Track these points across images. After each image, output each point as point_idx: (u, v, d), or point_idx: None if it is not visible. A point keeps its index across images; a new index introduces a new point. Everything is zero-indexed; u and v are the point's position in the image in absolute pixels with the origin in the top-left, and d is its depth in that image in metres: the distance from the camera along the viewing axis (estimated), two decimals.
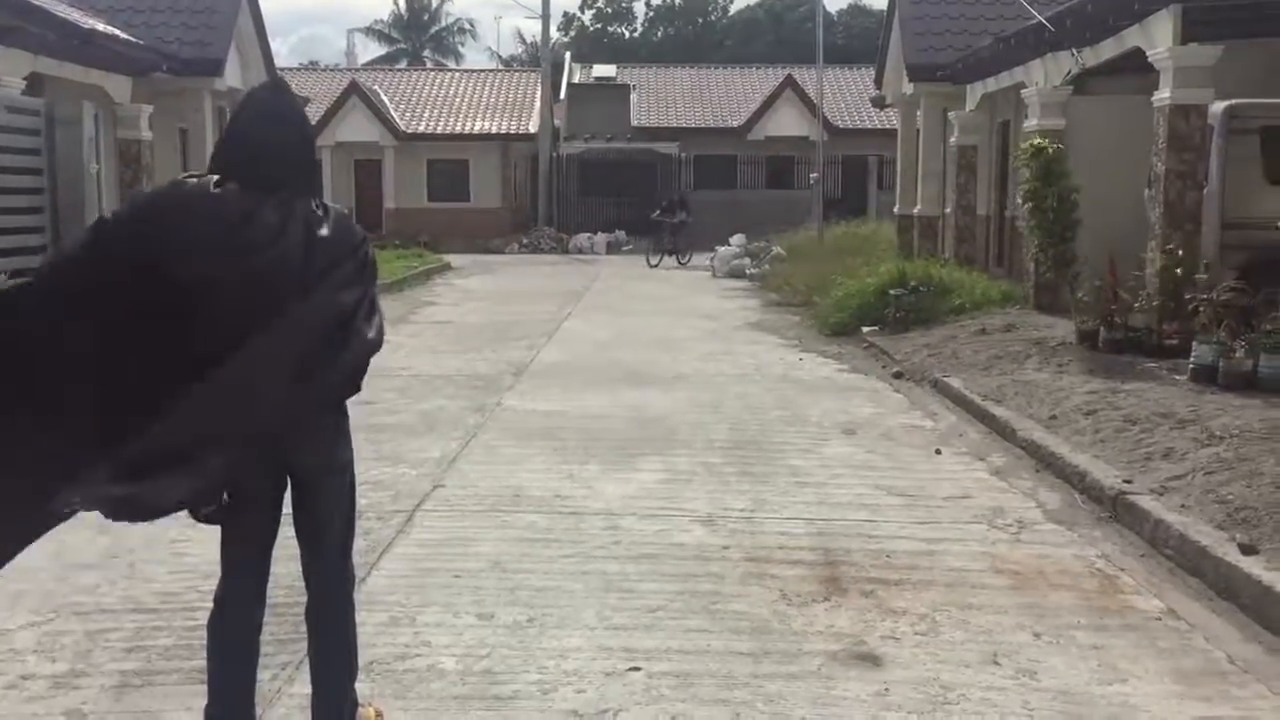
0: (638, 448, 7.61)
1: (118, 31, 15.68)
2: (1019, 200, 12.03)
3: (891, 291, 13.52)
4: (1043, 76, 13.40)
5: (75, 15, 14.79)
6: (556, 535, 5.65)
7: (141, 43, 15.96)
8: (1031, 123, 13.28)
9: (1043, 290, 12.74)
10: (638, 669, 4.02)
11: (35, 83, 12.71)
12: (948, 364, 10.59)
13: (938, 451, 7.61)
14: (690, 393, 9.79)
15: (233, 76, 18.19)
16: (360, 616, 3.61)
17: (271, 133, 3.11)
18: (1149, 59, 10.71)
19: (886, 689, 3.88)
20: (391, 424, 8.11)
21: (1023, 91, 13.85)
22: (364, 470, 6.44)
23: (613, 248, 32.76)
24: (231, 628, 3.26)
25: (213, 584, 4.74)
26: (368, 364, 3.12)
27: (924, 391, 9.96)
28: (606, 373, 10.86)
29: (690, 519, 5.93)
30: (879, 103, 23.87)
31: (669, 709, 3.71)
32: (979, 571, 5.16)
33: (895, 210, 21.74)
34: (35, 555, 5.28)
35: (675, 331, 14.26)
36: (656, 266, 25.65)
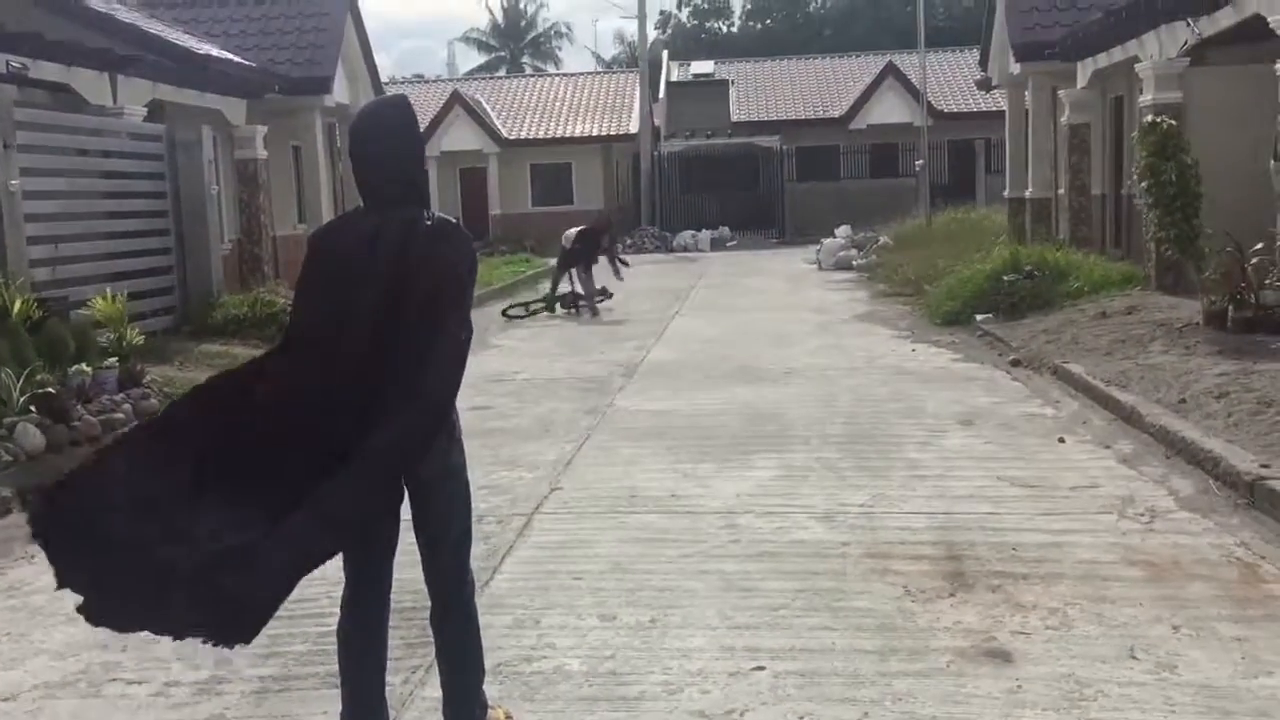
0: (752, 445, 7.58)
1: (231, 56, 16.20)
2: (1136, 178, 11.64)
3: (1005, 277, 13.23)
4: (1157, 49, 12.94)
5: (191, 42, 15.34)
6: (674, 535, 5.65)
7: (254, 65, 16.46)
8: (1146, 98, 12.85)
9: (1164, 270, 12.32)
10: (762, 668, 4.01)
11: (156, 109, 13.21)
12: (1067, 350, 10.32)
13: (1061, 440, 7.41)
14: (802, 387, 9.72)
15: (340, 93, 18.64)
16: (485, 619, 3.71)
17: (371, 149, 3.21)
18: (1270, 25, 10.27)
19: (1019, 685, 3.80)
20: (507, 428, 8.23)
21: (1136, 66, 13.41)
22: (482, 475, 6.57)
23: (717, 244, 32.68)
24: (359, 631, 3.34)
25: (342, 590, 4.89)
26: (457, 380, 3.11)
27: (1043, 379, 9.72)
28: (717, 370, 10.84)
29: (808, 515, 5.89)
30: (985, 85, 23.34)
31: (796, 708, 3.69)
32: (1111, 563, 5.01)
33: (1005, 194, 21.26)
34: None
35: (784, 326, 14.17)
36: (523, 318, 16.57)
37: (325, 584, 5.10)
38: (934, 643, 4.20)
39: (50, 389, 7.99)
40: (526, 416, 8.77)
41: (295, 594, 4.99)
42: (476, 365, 10.65)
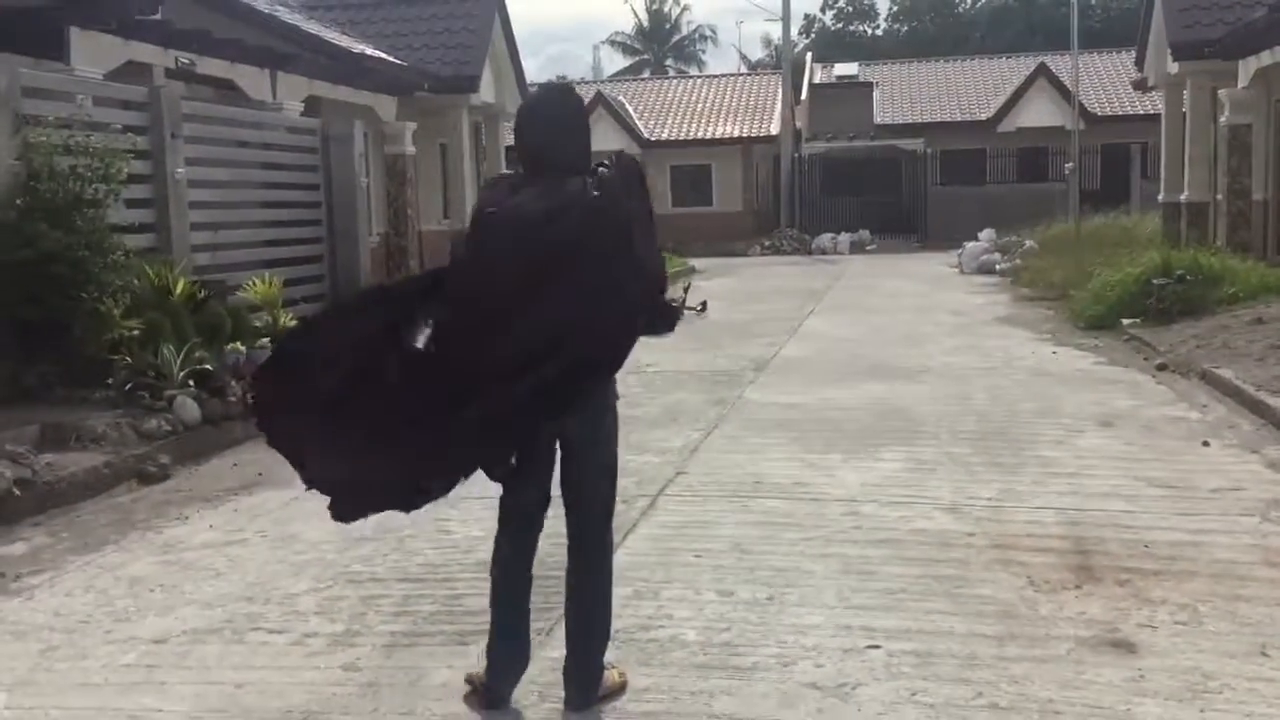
0: (880, 438, 7.53)
1: (384, 55, 16.80)
2: None
3: (1155, 281, 12.77)
4: None
5: (346, 42, 15.96)
6: (797, 520, 5.68)
7: (405, 64, 17.02)
8: None
9: None
10: (877, 647, 4.01)
11: (312, 105, 13.79)
12: (1218, 355, 9.92)
13: (1205, 444, 7.16)
14: (935, 385, 9.59)
15: (487, 93, 19.13)
16: None
17: (545, 127, 3.50)
18: None
19: (1141, 675, 3.72)
20: (637, 416, 8.35)
21: None
22: None
23: (857, 247, 32.31)
24: (508, 572, 3.63)
25: (472, 557, 5.07)
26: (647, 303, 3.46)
27: (1190, 384, 9.37)
28: (849, 367, 10.78)
29: (934, 506, 5.83)
30: (1141, 85, 22.57)
31: (909, 685, 3.69)
32: (1249, 564, 4.85)
33: (1160, 198, 20.51)
34: (320, 531, 5.77)
35: (920, 327, 13.97)
36: None
37: (455, 552, 5.33)
38: (1055, 631, 4.14)
39: (208, 365, 8.45)
40: (655, 405, 8.88)
41: (428, 561, 5.21)
42: None
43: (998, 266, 22.17)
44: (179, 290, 9.18)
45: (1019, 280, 19.45)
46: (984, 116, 35.47)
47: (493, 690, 3.62)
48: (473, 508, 6.01)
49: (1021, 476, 6.44)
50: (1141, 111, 32.13)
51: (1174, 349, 10.62)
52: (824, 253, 31.78)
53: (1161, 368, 10.09)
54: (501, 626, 3.63)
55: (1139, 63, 21.24)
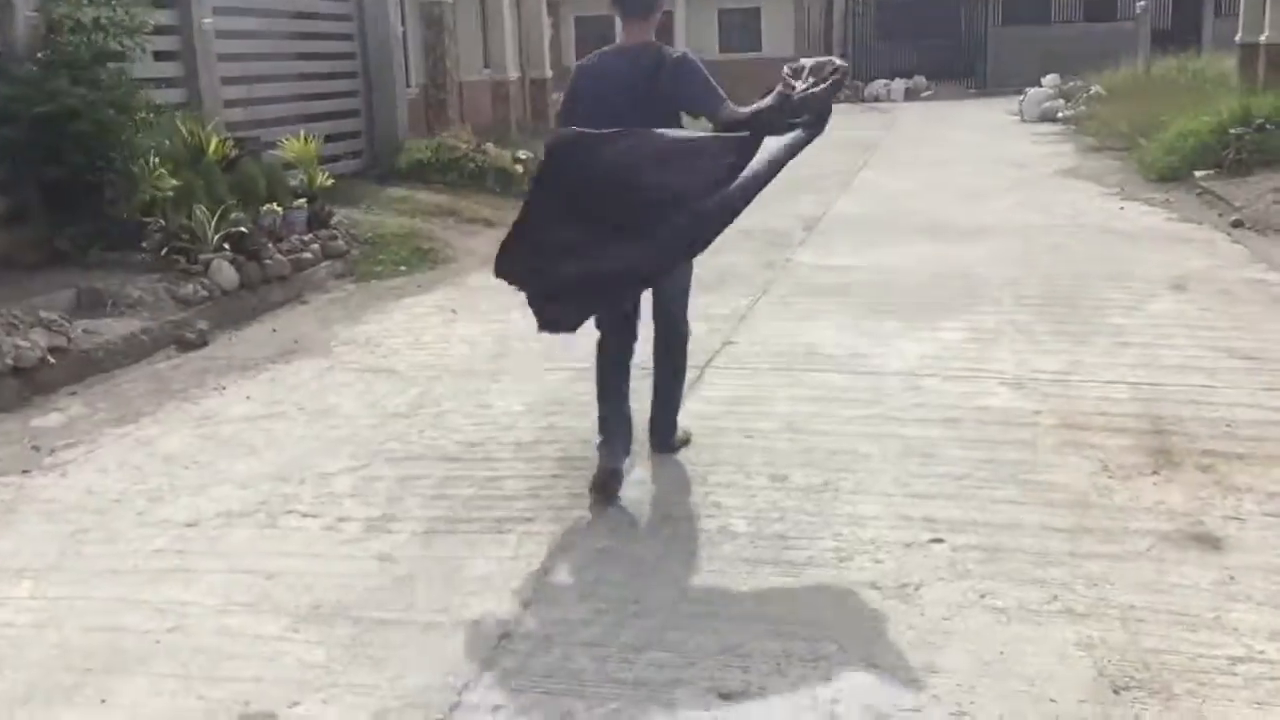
0: (939, 305, 7.17)
1: None
2: None
3: (1233, 130, 12.05)
4: None
5: None
6: (853, 395, 5.40)
7: None
8: None
9: None
10: (940, 540, 3.77)
11: None
12: None
13: None
14: (996, 245, 9.15)
15: None
16: (651, 472, 4.34)
17: None
18: None
19: (1231, 577, 3.45)
20: None
21: None
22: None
23: (911, 94, 31.19)
24: (611, 353, 4.47)
25: (511, 435, 4.88)
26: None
27: (1269, 242, 8.86)
28: (904, 225, 10.33)
29: (998, 381, 5.52)
30: None
31: (977, 586, 3.45)
32: None
33: (1236, 38, 19.33)
34: (356, 404, 5.59)
35: (980, 180, 13.39)
36: None
37: (494, 429, 5.13)
38: (1133, 524, 3.87)
39: (243, 228, 8.20)
40: (699, 268, 8.48)
41: (466, 438, 5.01)
42: None
43: (1060, 114, 21.25)
44: (211, 149, 8.88)
45: (1084, 129, 18.62)
46: None
47: (605, 468, 4.28)
48: (508, 383, 5.82)
49: (1090, 347, 6.09)
50: None
51: (1251, 204, 10.05)
52: (877, 100, 30.73)
53: (1237, 224, 9.56)
54: (607, 414, 4.42)
55: None
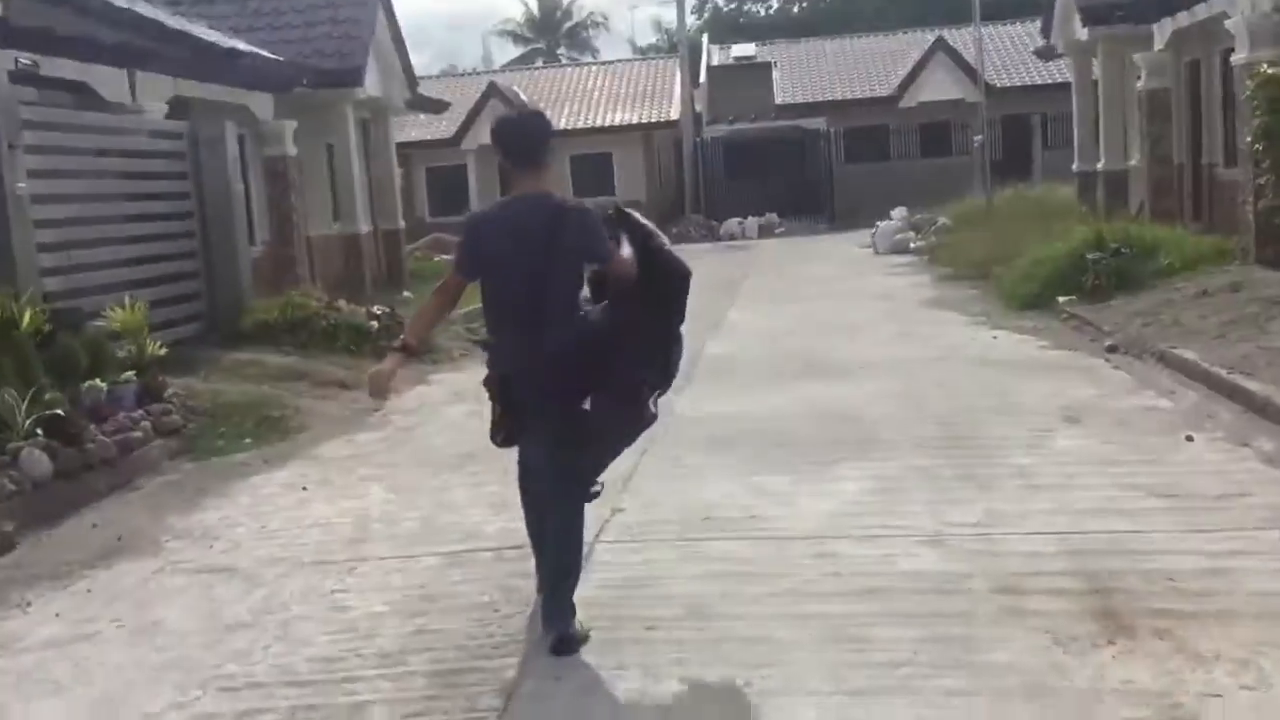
0: (833, 451, 6.73)
1: (257, 50, 15.51)
2: (1250, 140, 10.63)
3: (1089, 255, 12.22)
4: (1249, 3, 11.89)
5: (214, 36, 14.66)
6: (759, 567, 4.82)
7: (281, 59, 15.76)
8: (1241, 55, 11.80)
9: (1267, 242, 11.29)
10: None
11: (179, 106, 12.52)
12: (1170, 333, 9.35)
13: (1189, 438, 6.50)
14: (881, 383, 8.84)
15: (373, 86, 17.92)
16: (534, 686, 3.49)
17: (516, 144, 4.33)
18: None
19: None
20: None
21: (1227, 22, 12.32)
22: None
23: (765, 231, 31.69)
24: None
25: (374, 645, 4.13)
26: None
27: (1148, 366, 8.78)
28: (783, 366, 10.00)
29: (914, 539, 5.03)
30: (1047, 54, 22.22)
31: None
32: None
33: (1074, 167, 20.17)
34: (187, 615, 4.77)
35: (849, 315, 13.28)
36: None
37: (355, 637, 4.35)
38: (1104, 713, 3.35)
39: (59, 410, 7.31)
40: None
41: (320, 653, 4.17)
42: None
43: (912, 245, 21.69)
44: (25, 323, 8.00)
45: (937, 259, 18.94)
46: (885, 93, 35.08)
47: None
48: (368, 575, 5.08)
49: (1001, 492, 5.69)
50: (1041, 81, 32.09)
51: (1121, 328, 10.05)
52: (733, 238, 31.10)
53: (1112, 349, 9.50)
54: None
55: (1045, 31, 20.86)
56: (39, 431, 7.08)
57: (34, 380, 7.45)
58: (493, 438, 4.36)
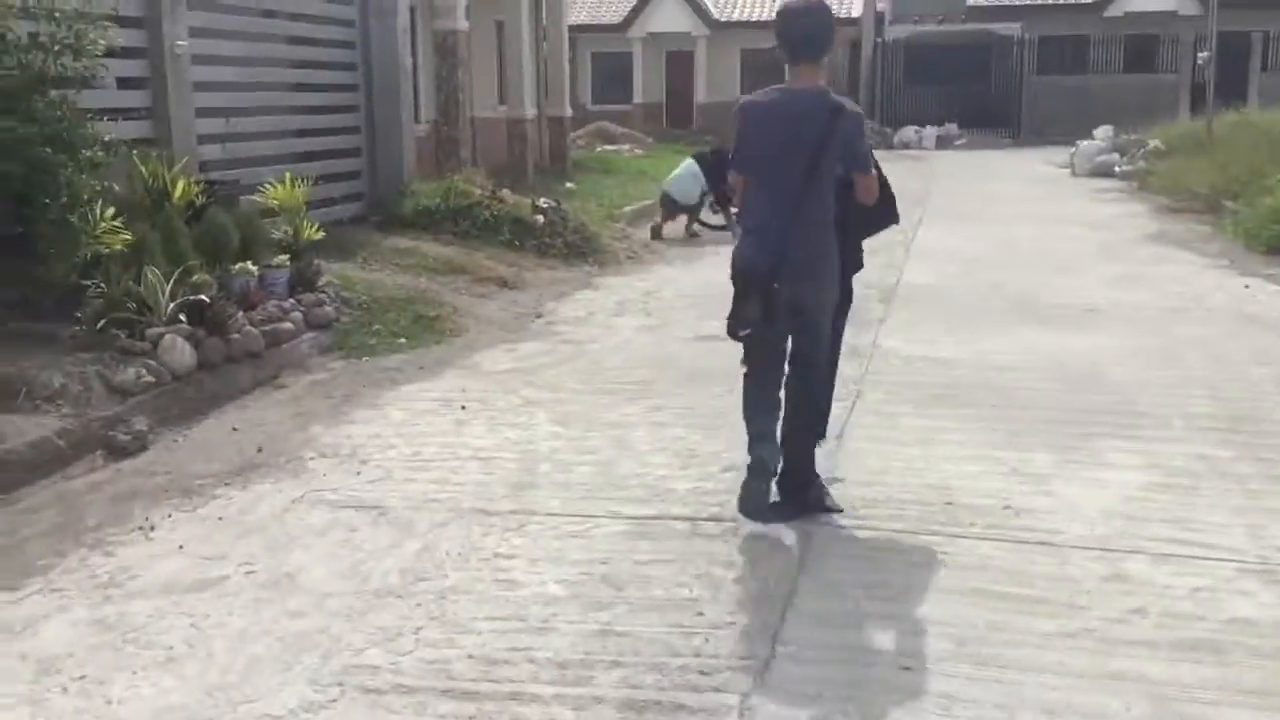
0: (1087, 423, 5.58)
1: None
2: None
3: None
4: None
5: None
6: (1037, 589, 3.77)
7: None
8: None
9: None
10: None
11: None
12: None
13: None
14: (1118, 336, 7.57)
15: None
16: None
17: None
18: None
19: None
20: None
21: None
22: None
23: (943, 142, 29.81)
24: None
25: (548, 645, 3.28)
26: None
27: None
28: (990, 302, 8.80)
29: (1234, 565, 3.91)
30: None
31: None
32: None
33: None
34: (327, 568, 3.99)
35: (1057, 244, 11.87)
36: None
37: (525, 631, 3.51)
38: None
39: (206, 294, 6.63)
40: None
41: (482, 651, 3.37)
42: (689, 275, 8.96)
43: (1118, 169, 19.78)
44: (178, 193, 7.35)
45: (1148, 187, 17.15)
46: None
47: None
48: (540, 538, 4.16)
49: None
50: None
51: None
52: (907, 147, 29.35)
53: None
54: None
55: None
56: (182, 317, 6.43)
57: (181, 258, 6.79)
58: (734, 332, 4.28)
